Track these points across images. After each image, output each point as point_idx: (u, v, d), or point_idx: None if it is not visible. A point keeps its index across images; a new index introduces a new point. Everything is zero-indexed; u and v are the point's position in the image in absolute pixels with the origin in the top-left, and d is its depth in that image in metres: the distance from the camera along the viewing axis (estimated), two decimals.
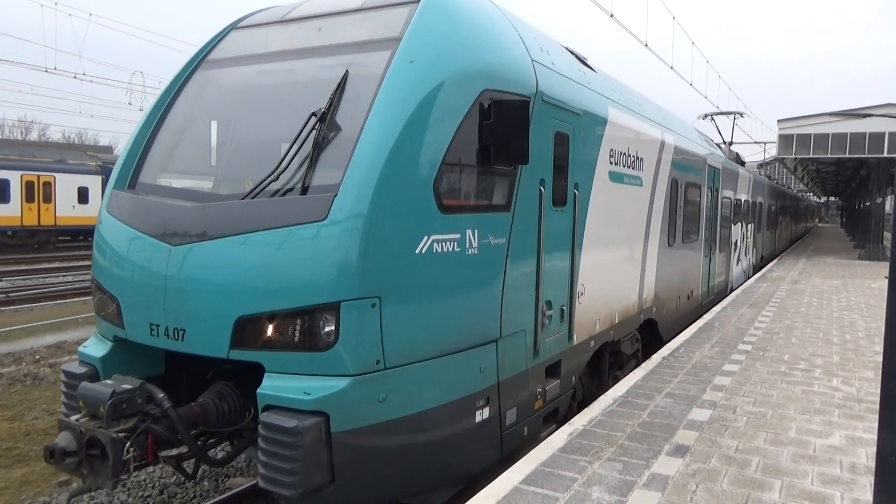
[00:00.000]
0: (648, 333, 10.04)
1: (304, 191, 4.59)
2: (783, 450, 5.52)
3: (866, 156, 29.39)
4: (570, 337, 6.76)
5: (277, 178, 4.71)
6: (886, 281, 3.05)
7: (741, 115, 24.67)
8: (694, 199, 12.11)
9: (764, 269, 22.72)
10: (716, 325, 11.54)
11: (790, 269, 23.47)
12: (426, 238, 4.60)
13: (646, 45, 17.51)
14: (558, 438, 5.58)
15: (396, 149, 4.47)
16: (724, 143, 21.89)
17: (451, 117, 4.83)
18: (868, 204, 37.19)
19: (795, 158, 33.39)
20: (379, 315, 4.36)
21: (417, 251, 4.55)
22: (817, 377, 8.03)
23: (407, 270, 4.52)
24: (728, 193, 15.73)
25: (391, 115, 4.55)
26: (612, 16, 14.19)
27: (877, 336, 10.84)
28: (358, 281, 4.27)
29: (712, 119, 23.55)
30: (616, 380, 8.24)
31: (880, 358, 3.80)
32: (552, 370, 6.42)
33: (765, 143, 42.68)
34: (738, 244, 18.17)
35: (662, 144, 9.73)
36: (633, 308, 8.87)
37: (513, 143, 5.09)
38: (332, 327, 4.29)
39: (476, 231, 5.05)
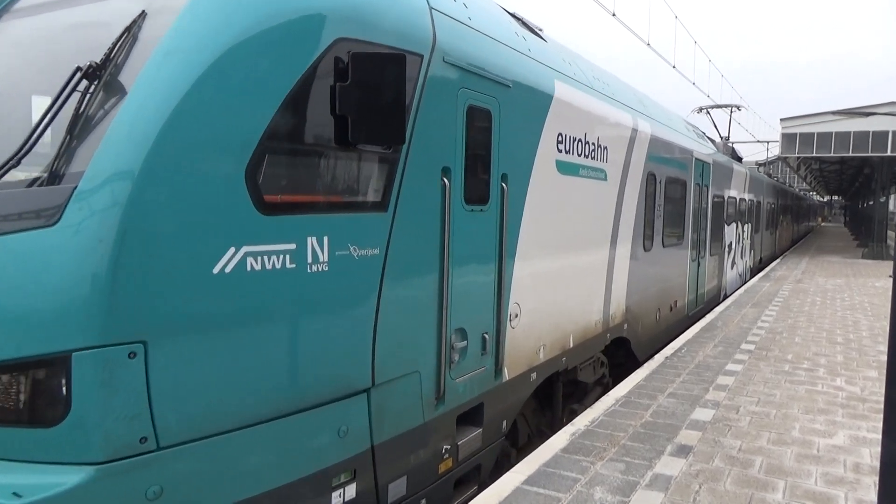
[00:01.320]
0: (622, 353, 8.81)
1: (55, 179, 3.14)
2: (787, 450, 5.50)
3: (870, 154, 29.33)
4: (499, 372, 5.32)
5: (19, 161, 3.28)
6: (890, 280, 3.03)
7: (738, 108, 24.08)
8: (677, 197, 10.80)
9: (766, 269, 22.67)
10: (719, 324, 11.51)
11: (793, 268, 23.42)
12: (233, 250, 3.22)
13: (648, 45, 17.51)
14: (560, 439, 5.56)
15: (179, 117, 3.07)
16: (721, 138, 21.44)
17: (281, 74, 3.42)
18: (871, 203, 37.11)
19: (798, 157, 33.35)
20: (144, 369, 2.94)
21: (217, 270, 3.16)
22: (821, 377, 8.00)
23: (197, 299, 3.12)
24: (720, 191, 14.61)
25: (174, 70, 3.15)
26: (613, 15, 14.16)
27: (880, 335, 10.80)
28: (101, 319, 2.85)
29: (707, 112, 22.89)
30: (573, 414, 6.98)
31: (884, 357, 3.79)
32: (470, 417, 5.06)
33: (768, 143, 42.66)
34: (733, 246, 16.97)
35: (635, 132, 8.32)
36: (595, 327, 7.40)
37: (380, 114, 3.69)
38: (63, 390, 2.85)
39: (326, 239, 3.63)
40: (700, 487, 4.69)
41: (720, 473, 4.96)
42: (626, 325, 8.50)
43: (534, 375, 5.99)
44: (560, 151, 6.19)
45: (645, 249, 9.14)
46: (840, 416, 6.47)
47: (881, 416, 3.10)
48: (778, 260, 26.58)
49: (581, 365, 7.15)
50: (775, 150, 38.29)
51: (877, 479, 3.98)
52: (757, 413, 6.48)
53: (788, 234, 37.25)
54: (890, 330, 2.63)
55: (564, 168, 6.32)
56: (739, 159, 20.18)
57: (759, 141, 41.91)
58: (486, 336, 5.13)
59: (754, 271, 21.67)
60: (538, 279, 5.96)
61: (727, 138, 22.91)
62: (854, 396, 7.16)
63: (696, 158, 11.92)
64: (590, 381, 7.57)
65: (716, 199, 14.03)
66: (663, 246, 10.09)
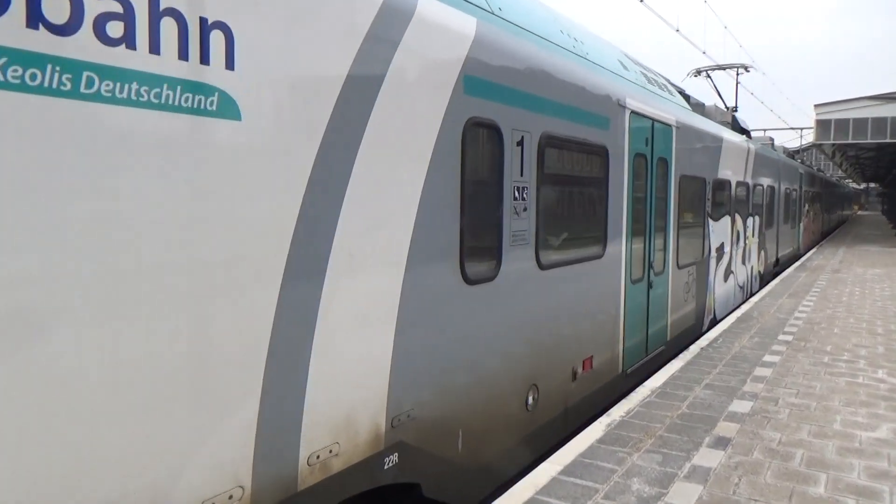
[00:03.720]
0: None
1: None
2: (828, 443, 5.40)
3: None
4: None
5: None
6: None
7: (746, 68, 20.29)
8: (586, 176, 6.24)
9: (802, 259, 22.21)
10: (754, 314, 11.34)
11: (830, 257, 22.93)
12: None
13: (677, 31, 17.28)
14: (596, 430, 5.54)
15: None
16: (727, 108, 17.17)
17: None
18: None
19: (833, 144, 32.58)
20: None
21: None
22: (861, 368, 7.83)
23: None
24: (699, 170, 9.96)
25: None
26: (642, 1, 13.97)
27: None
28: None
29: (708, 76, 17.96)
30: None
31: None
32: None
33: (801, 130, 41.78)
34: (728, 249, 12.21)
35: (419, 25, 3.77)
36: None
37: None
38: None
39: None
40: (740, 480, 4.64)
41: (760, 466, 4.89)
42: (391, 459, 3.77)
43: None
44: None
45: (469, 280, 4.40)
46: (882, 408, 6.33)
47: None
48: (806, 255, 25.55)
49: None
50: (809, 137, 37.51)
51: None
52: (796, 405, 6.37)
53: (816, 226, 30.55)
54: None
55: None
56: (745, 132, 15.27)
57: (792, 128, 41.11)
58: None
59: (767, 277, 16.65)
60: None
61: (735, 108, 18.81)
62: None
63: (635, 112, 7.14)
64: None
65: (688, 182, 9.46)
66: (541, 267, 5.34)
